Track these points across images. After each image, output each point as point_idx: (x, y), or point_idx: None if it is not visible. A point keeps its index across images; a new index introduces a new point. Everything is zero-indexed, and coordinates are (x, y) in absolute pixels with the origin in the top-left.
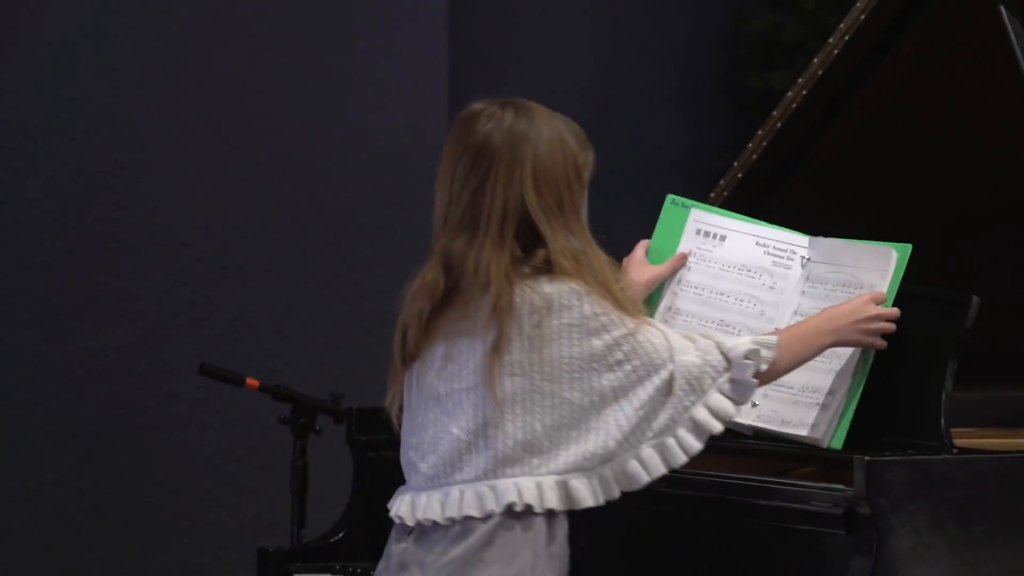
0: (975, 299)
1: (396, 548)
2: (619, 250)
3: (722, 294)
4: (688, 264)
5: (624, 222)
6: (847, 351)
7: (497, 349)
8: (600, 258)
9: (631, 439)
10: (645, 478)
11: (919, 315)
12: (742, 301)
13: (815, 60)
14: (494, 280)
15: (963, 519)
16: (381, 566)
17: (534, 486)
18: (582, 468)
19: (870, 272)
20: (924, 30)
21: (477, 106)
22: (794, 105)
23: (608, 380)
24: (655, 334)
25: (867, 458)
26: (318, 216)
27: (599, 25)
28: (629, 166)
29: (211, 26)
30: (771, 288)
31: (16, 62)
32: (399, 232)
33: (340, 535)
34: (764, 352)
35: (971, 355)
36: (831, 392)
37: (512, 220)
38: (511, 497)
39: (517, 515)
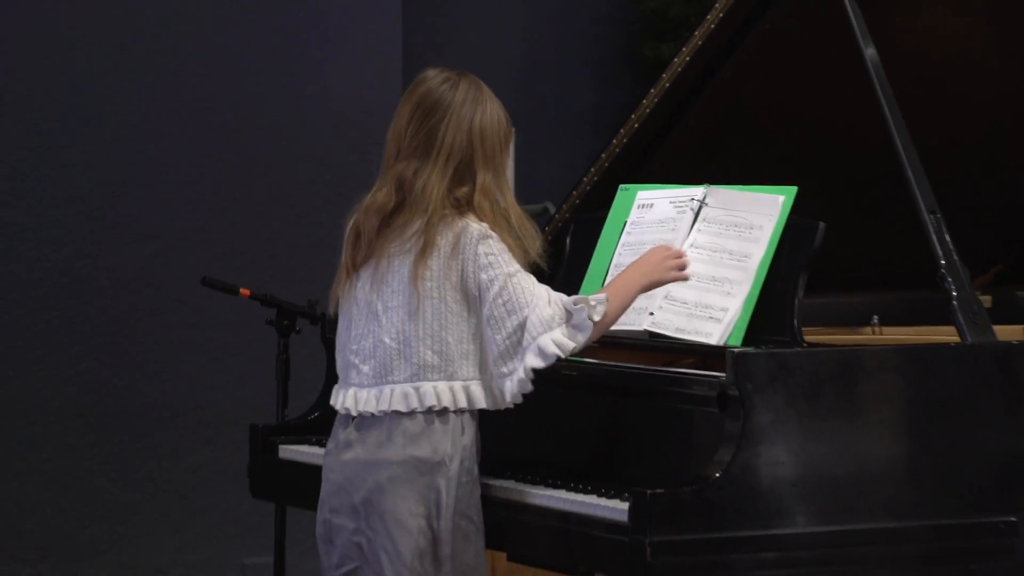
0: (822, 225)
1: (341, 432)
2: (543, 186)
3: (644, 244)
4: (627, 230)
5: (544, 165)
6: (745, 275)
7: (423, 254)
8: (515, 209)
9: (501, 359)
10: (514, 390)
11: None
12: (655, 244)
13: (696, 33)
14: (432, 199)
15: (810, 399)
16: (330, 445)
17: (448, 390)
18: (478, 377)
19: (760, 215)
20: (781, 10)
21: (434, 70)
22: (679, 70)
23: (489, 308)
24: (527, 281)
25: (735, 351)
26: (297, 160)
27: (525, 7)
28: (548, 121)
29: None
30: (673, 230)
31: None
32: (362, 173)
33: (315, 414)
34: (597, 306)
35: (820, 269)
36: (723, 308)
37: (455, 158)
38: (430, 400)
39: (436, 412)
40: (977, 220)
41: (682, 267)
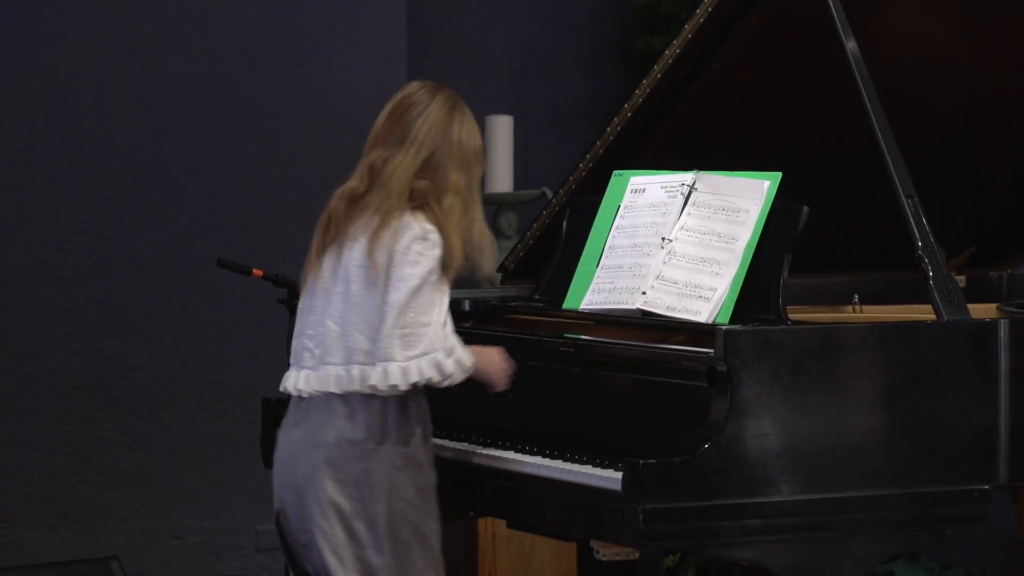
0: (805, 209)
1: (293, 412)
2: (541, 173)
3: (636, 227)
4: (621, 214)
5: (542, 152)
6: (733, 256)
7: (378, 230)
8: (480, 224)
9: (397, 344)
10: (398, 381)
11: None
12: (647, 227)
13: (686, 27)
14: (398, 181)
15: (794, 374)
16: (285, 424)
17: (382, 371)
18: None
19: (747, 200)
20: (766, 5)
21: (418, 82)
22: (670, 62)
23: (398, 296)
24: (439, 294)
25: (724, 328)
26: (306, 148)
27: (524, 5)
28: (546, 110)
29: None
30: (664, 213)
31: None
32: None
33: None
34: (466, 364)
35: (803, 250)
36: (712, 288)
37: (427, 150)
38: (358, 383)
39: (368, 395)
40: (952, 205)
41: (509, 377)
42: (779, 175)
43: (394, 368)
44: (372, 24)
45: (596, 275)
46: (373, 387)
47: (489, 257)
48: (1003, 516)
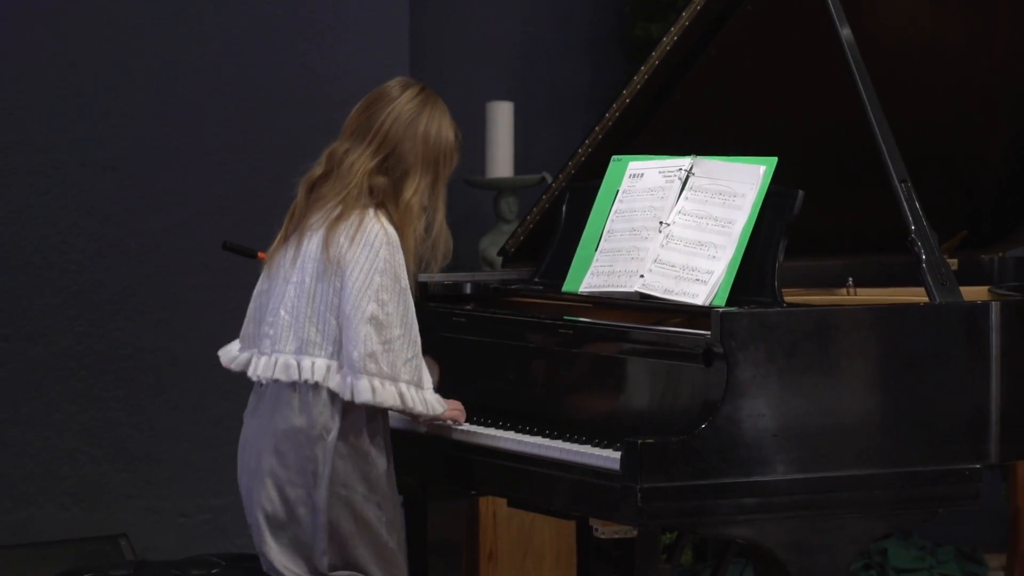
0: (800, 193)
1: (252, 397)
2: (541, 158)
3: (635, 211)
4: (619, 198)
5: (542, 138)
6: (729, 240)
7: (335, 222)
8: (441, 222)
9: (369, 357)
10: (367, 396)
11: (762, 206)
12: (645, 212)
13: (683, 14)
14: (355, 174)
15: (790, 355)
16: (247, 409)
17: (325, 367)
18: (350, 364)
19: (743, 184)
20: None
21: (398, 78)
22: (667, 48)
23: (372, 308)
24: (411, 306)
25: (720, 311)
26: (311, 133)
27: None
28: (546, 97)
29: None
30: (662, 198)
31: None
32: None
33: None
34: (436, 409)
35: (798, 234)
36: (709, 271)
37: (388, 146)
38: (307, 374)
39: (315, 385)
40: (944, 190)
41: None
42: (775, 160)
43: (363, 386)
44: (375, 12)
45: (595, 258)
46: (330, 388)
47: (442, 254)
48: (994, 494)
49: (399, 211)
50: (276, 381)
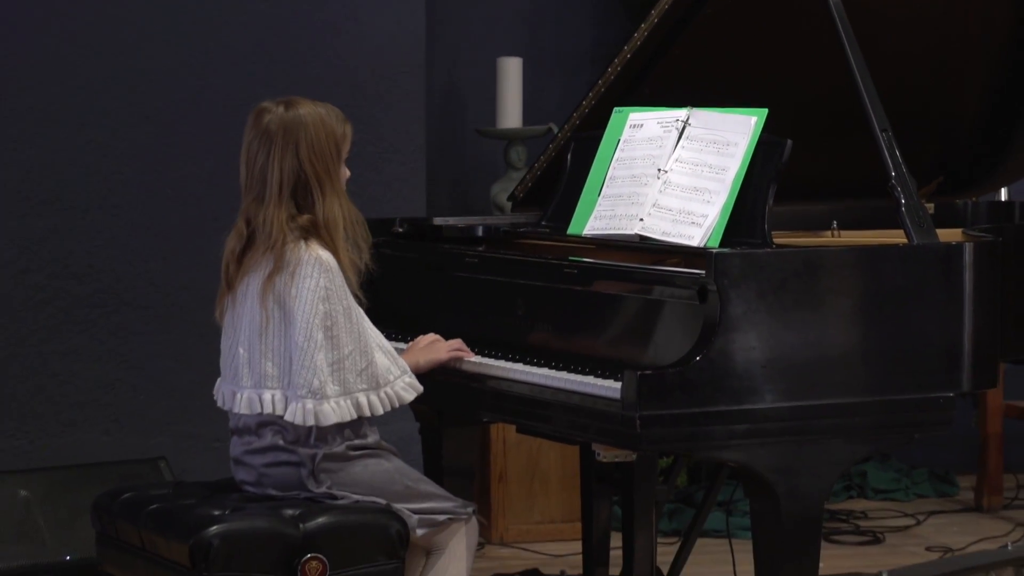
0: (789, 142)
1: (230, 419)
2: (547, 110)
3: (635, 159)
4: (621, 147)
5: (548, 91)
6: (723, 186)
7: (270, 278)
8: (352, 214)
9: (330, 382)
10: (333, 419)
11: (754, 154)
12: (645, 160)
13: None
14: (275, 230)
15: (778, 292)
16: (232, 437)
17: (282, 400)
18: (310, 392)
19: (736, 134)
20: None
21: (263, 104)
22: (666, 7)
23: (320, 336)
24: (365, 322)
25: (714, 251)
26: (335, 88)
27: None
28: (552, 53)
29: None
30: (660, 147)
31: None
32: (389, 95)
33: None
34: (407, 379)
35: (787, 180)
36: (704, 215)
37: (288, 186)
38: (268, 407)
39: (279, 417)
40: (922, 140)
41: (456, 350)
42: (765, 111)
43: (326, 409)
44: None
45: (598, 203)
46: (291, 422)
47: (362, 248)
48: (965, 421)
49: (326, 229)
50: (244, 414)
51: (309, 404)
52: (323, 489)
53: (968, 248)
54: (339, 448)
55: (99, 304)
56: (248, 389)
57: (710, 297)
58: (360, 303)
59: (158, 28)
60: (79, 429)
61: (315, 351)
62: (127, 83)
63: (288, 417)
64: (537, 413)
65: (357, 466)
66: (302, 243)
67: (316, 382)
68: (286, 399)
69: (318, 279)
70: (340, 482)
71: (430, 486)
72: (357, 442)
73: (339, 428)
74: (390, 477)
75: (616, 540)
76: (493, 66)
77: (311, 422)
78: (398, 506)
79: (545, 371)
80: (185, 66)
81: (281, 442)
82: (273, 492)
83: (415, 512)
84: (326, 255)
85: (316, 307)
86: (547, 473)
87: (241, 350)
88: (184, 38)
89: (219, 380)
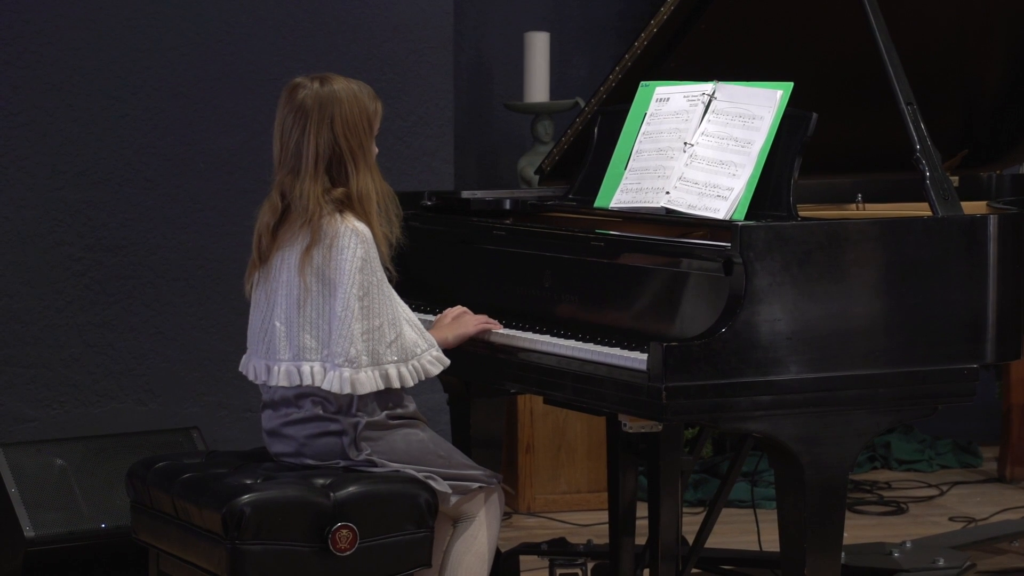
0: (814, 115)
1: (264, 392)
2: (574, 84)
3: (662, 132)
4: (647, 121)
5: (575, 65)
6: (748, 159)
7: (307, 250)
8: (384, 191)
9: (364, 352)
10: (369, 387)
11: (779, 128)
12: (671, 133)
13: None
14: (311, 203)
15: (802, 265)
16: (265, 410)
17: (321, 371)
18: (347, 360)
19: (761, 108)
20: None
21: (297, 80)
22: None
23: (358, 306)
24: (395, 297)
25: (739, 224)
26: (362, 62)
27: None
28: (579, 27)
29: None
30: (686, 120)
31: None
32: (416, 66)
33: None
34: (434, 352)
35: (812, 153)
36: (729, 188)
37: (323, 160)
38: (307, 379)
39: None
40: (947, 112)
41: (484, 322)
42: (791, 85)
43: (364, 376)
44: None
45: (624, 176)
46: (328, 391)
47: (394, 223)
48: (988, 392)
49: (360, 203)
50: (283, 386)
51: (346, 373)
52: (363, 456)
53: (992, 220)
54: (379, 417)
55: (133, 276)
56: (286, 362)
57: (735, 269)
58: (390, 276)
59: (189, 2)
60: (114, 399)
61: (352, 320)
62: (158, 58)
63: (326, 386)
64: (564, 384)
65: (396, 435)
66: (338, 215)
67: (353, 351)
68: (324, 370)
69: (355, 249)
70: (379, 450)
71: (460, 456)
72: (398, 411)
73: (380, 397)
74: (425, 447)
75: (642, 510)
76: (520, 40)
77: (347, 390)
78: (433, 471)
79: (572, 343)
80: (216, 40)
81: (322, 412)
82: (310, 462)
83: (448, 480)
84: (362, 226)
85: (354, 277)
86: (573, 444)
87: (278, 323)
88: (214, 12)
89: (246, 355)
